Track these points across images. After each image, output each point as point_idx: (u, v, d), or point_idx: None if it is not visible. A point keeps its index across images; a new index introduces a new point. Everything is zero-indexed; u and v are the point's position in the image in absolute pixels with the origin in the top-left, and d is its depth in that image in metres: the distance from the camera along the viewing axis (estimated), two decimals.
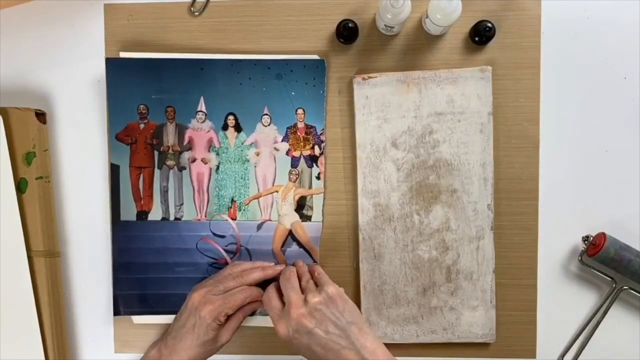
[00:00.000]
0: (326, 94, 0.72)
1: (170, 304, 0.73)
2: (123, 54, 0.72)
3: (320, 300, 0.62)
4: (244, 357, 0.74)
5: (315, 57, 0.71)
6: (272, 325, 0.74)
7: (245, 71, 0.72)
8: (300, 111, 0.72)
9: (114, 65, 0.72)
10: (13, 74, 0.74)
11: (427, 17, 0.67)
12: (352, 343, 0.61)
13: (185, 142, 0.73)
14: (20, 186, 0.70)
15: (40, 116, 0.72)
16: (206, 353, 0.67)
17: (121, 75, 0.72)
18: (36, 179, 0.70)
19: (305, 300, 0.62)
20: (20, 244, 0.69)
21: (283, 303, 0.65)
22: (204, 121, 0.73)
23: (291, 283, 0.65)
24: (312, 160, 0.72)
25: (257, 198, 0.73)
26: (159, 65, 0.72)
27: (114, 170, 0.73)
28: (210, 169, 0.73)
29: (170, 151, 0.73)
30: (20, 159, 0.70)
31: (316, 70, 0.71)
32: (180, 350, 0.66)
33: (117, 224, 0.73)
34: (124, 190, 0.73)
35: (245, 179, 0.73)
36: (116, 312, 0.73)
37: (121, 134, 0.73)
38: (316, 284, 0.66)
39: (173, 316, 0.72)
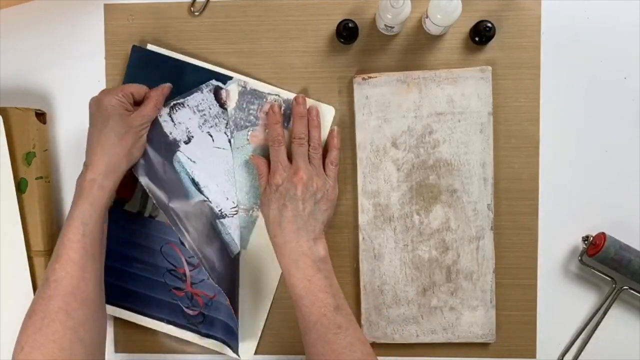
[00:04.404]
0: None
1: (121, 297, 0.73)
2: (151, 47, 0.72)
3: (322, 187, 0.67)
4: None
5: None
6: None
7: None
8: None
9: (138, 55, 0.72)
10: (13, 74, 0.74)
11: (427, 17, 0.67)
12: (313, 232, 0.66)
13: None
14: (20, 186, 0.70)
15: (40, 116, 0.72)
16: (127, 150, 0.65)
17: (142, 67, 0.72)
18: (36, 179, 0.71)
19: (310, 176, 0.67)
20: (20, 244, 0.69)
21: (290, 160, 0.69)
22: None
23: (303, 152, 0.68)
24: None
25: None
26: (182, 68, 0.72)
27: None
28: None
29: None
30: (20, 159, 0.70)
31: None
32: (100, 157, 0.64)
33: None
34: None
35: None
36: None
37: None
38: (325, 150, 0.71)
39: (123, 311, 0.73)
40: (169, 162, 0.70)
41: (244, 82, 0.72)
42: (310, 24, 0.72)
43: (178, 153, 0.71)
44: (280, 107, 0.71)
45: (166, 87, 0.69)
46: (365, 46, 0.72)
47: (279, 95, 0.72)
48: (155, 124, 0.69)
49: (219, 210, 0.72)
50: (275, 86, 0.72)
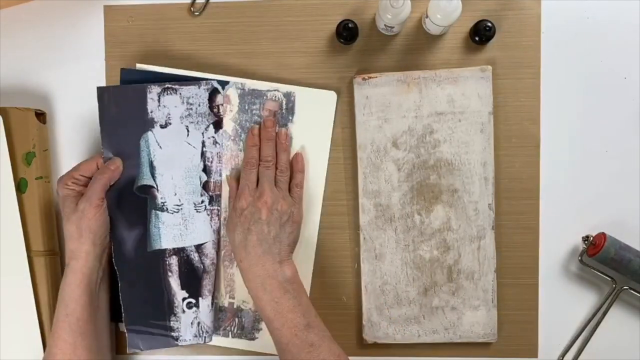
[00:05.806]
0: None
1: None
2: (140, 66, 0.72)
3: (287, 210, 0.67)
4: (240, 357, 0.74)
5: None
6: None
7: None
8: None
9: (128, 77, 0.71)
10: (13, 74, 0.74)
11: (427, 17, 0.67)
12: (279, 255, 0.66)
13: None
14: (20, 186, 0.70)
15: (40, 116, 0.72)
16: (86, 230, 0.66)
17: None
18: (36, 179, 0.70)
19: (276, 200, 0.67)
20: (20, 244, 0.69)
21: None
22: None
23: (269, 175, 0.69)
24: None
25: None
26: (176, 81, 0.71)
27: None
28: None
29: None
30: (20, 159, 0.70)
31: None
32: (67, 244, 0.66)
33: None
34: None
35: None
36: None
37: None
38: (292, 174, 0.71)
39: None
40: (136, 138, 0.70)
41: (242, 83, 0.72)
42: (310, 24, 0.72)
43: (149, 133, 0.70)
44: (259, 130, 0.71)
45: (113, 164, 0.69)
46: (365, 46, 0.72)
47: (278, 90, 0.72)
48: (140, 98, 0.70)
49: (162, 202, 0.71)
50: (273, 82, 0.72)
